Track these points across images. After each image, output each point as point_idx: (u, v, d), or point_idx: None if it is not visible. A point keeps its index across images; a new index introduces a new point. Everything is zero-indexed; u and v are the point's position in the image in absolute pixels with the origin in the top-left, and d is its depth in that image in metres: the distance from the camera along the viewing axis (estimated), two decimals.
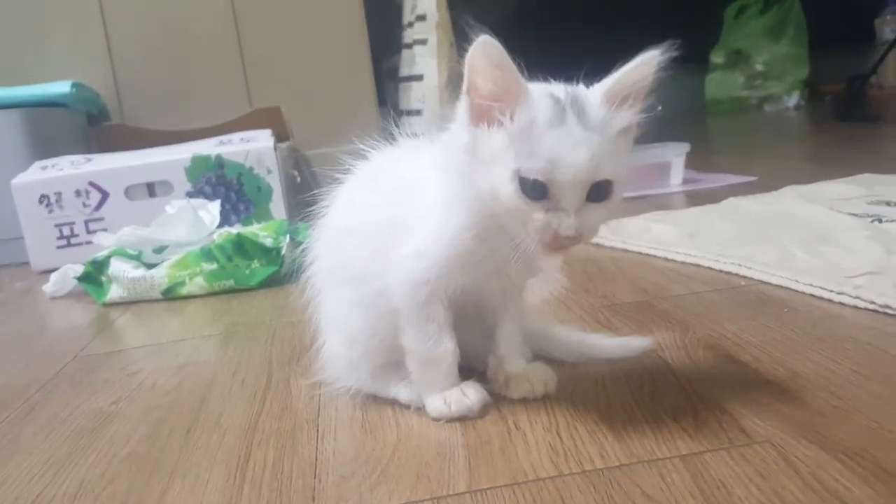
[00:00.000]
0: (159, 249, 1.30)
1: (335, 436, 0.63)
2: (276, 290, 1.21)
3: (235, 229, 1.32)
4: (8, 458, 0.67)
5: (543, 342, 0.73)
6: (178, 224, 1.35)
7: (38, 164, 1.60)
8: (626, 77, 0.55)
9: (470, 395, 0.63)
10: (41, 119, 1.75)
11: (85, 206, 1.54)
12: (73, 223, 1.54)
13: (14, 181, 1.54)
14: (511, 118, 0.54)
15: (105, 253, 1.27)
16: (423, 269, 0.60)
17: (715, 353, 0.72)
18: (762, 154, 2.18)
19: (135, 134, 1.95)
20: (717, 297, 0.90)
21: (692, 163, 1.74)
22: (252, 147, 1.58)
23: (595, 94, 0.55)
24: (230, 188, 1.57)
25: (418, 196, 0.61)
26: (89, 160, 1.61)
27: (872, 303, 0.79)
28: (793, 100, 3.39)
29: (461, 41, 0.54)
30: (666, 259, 1.09)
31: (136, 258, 1.27)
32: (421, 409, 0.65)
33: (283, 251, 1.24)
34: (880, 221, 1.10)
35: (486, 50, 0.52)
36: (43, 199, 1.53)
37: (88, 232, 1.53)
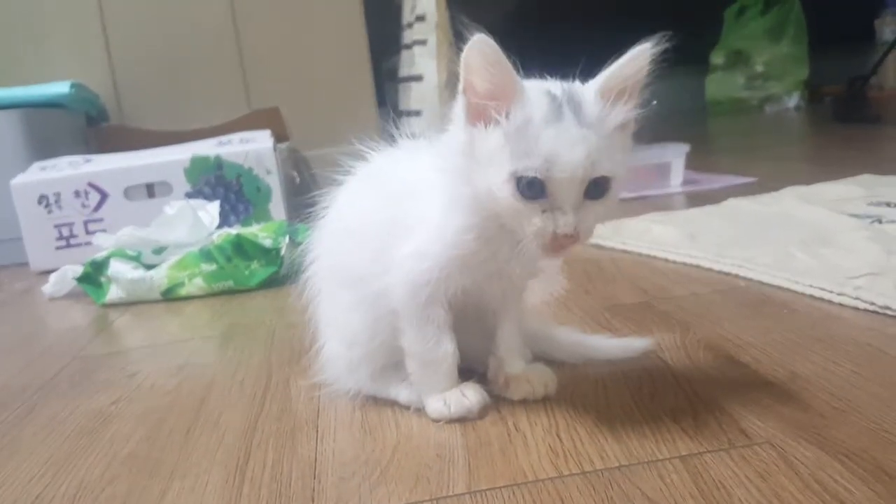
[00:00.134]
0: (158, 250, 1.30)
1: (335, 437, 0.63)
2: (275, 291, 1.21)
3: (235, 230, 1.32)
4: (7, 459, 0.67)
5: (543, 343, 0.73)
6: (177, 225, 1.35)
7: (38, 164, 1.60)
8: (620, 71, 0.55)
9: (470, 396, 0.63)
10: (40, 120, 1.75)
11: (84, 206, 1.54)
12: (73, 224, 1.54)
13: (13, 182, 1.54)
14: (507, 116, 0.54)
15: (104, 254, 1.27)
16: (424, 271, 0.60)
17: (715, 354, 0.72)
18: (762, 155, 2.18)
19: (134, 135, 1.95)
20: (718, 298, 0.90)
21: (692, 164, 1.74)
22: (251, 148, 1.58)
23: (590, 91, 0.55)
24: (229, 189, 1.57)
25: (418, 197, 0.61)
26: (88, 161, 1.61)
27: (872, 304, 0.79)
28: (793, 101, 3.39)
29: (458, 41, 0.54)
30: (666, 260, 1.09)
31: (136, 259, 1.27)
32: (421, 411, 0.65)
33: (283, 252, 1.24)
34: (880, 222, 1.10)
35: (481, 49, 0.52)
36: (42, 199, 1.53)
37: (88, 233, 1.52)
